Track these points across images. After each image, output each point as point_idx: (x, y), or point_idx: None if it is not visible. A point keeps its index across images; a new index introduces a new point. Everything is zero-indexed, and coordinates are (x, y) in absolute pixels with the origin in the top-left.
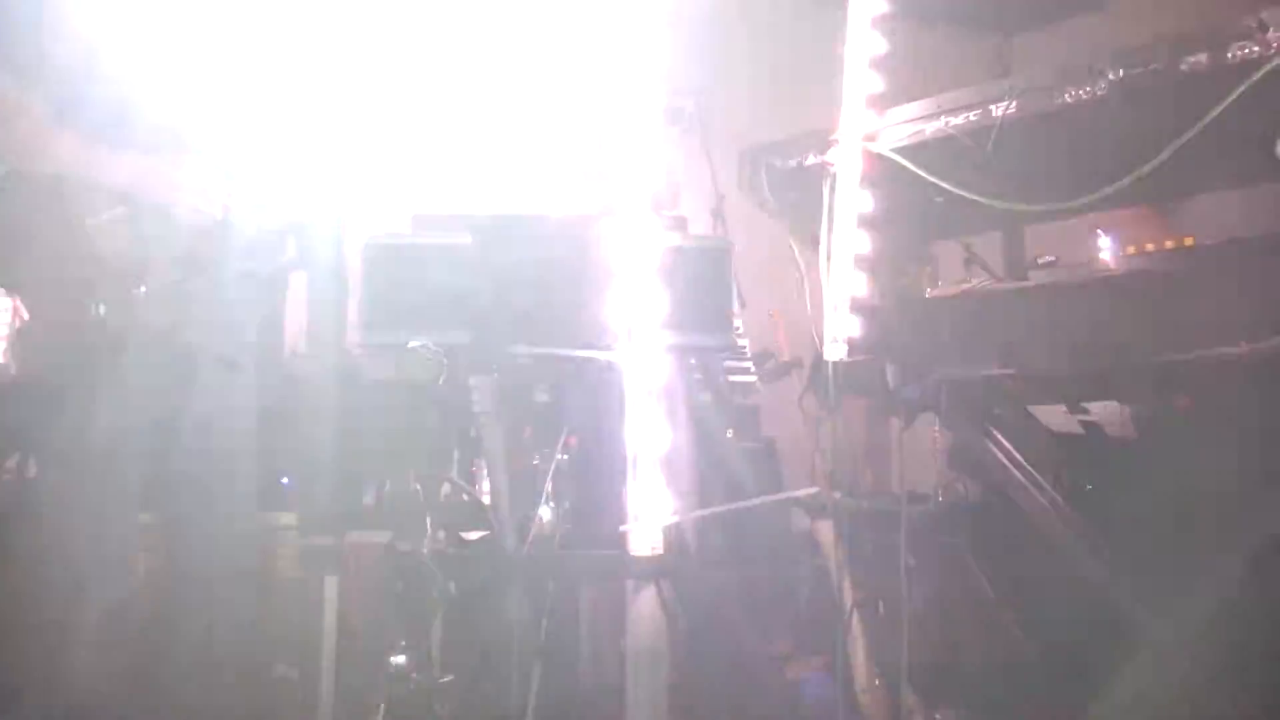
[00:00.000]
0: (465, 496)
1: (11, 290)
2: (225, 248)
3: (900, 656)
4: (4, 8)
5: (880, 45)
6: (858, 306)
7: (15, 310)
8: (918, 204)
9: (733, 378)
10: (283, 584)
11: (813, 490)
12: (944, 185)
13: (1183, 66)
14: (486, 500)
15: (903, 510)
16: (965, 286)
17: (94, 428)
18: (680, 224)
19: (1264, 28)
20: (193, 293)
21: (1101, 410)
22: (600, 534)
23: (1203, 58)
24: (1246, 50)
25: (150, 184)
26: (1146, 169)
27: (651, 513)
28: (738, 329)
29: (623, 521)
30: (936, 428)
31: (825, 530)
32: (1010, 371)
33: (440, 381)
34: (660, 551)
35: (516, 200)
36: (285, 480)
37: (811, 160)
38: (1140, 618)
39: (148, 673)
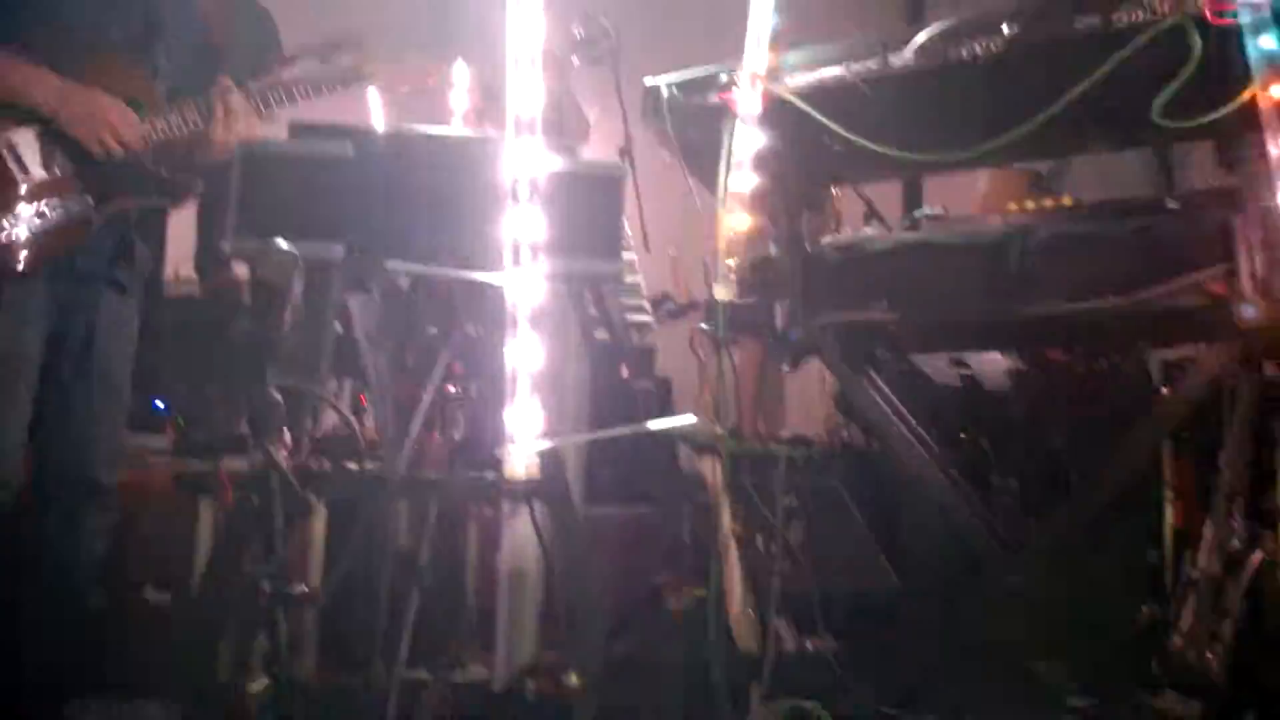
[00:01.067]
0: (329, 409)
1: None
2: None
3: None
4: None
5: None
6: (750, 247)
7: None
8: (816, 149)
9: (629, 316)
10: (156, 508)
11: (690, 418)
12: (837, 130)
13: (1077, 25)
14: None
15: (782, 452)
16: (854, 234)
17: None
18: (572, 150)
19: None
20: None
21: (979, 363)
22: (484, 460)
23: (1095, 20)
24: (1133, 15)
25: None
26: (1027, 127)
27: (526, 436)
28: (631, 263)
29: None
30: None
31: (709, 466)
32: (893, 318)
33: (296, 286)
34: (535, 475)
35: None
36: (159, 404)
37: (712, 98)
38: (1000, 556)
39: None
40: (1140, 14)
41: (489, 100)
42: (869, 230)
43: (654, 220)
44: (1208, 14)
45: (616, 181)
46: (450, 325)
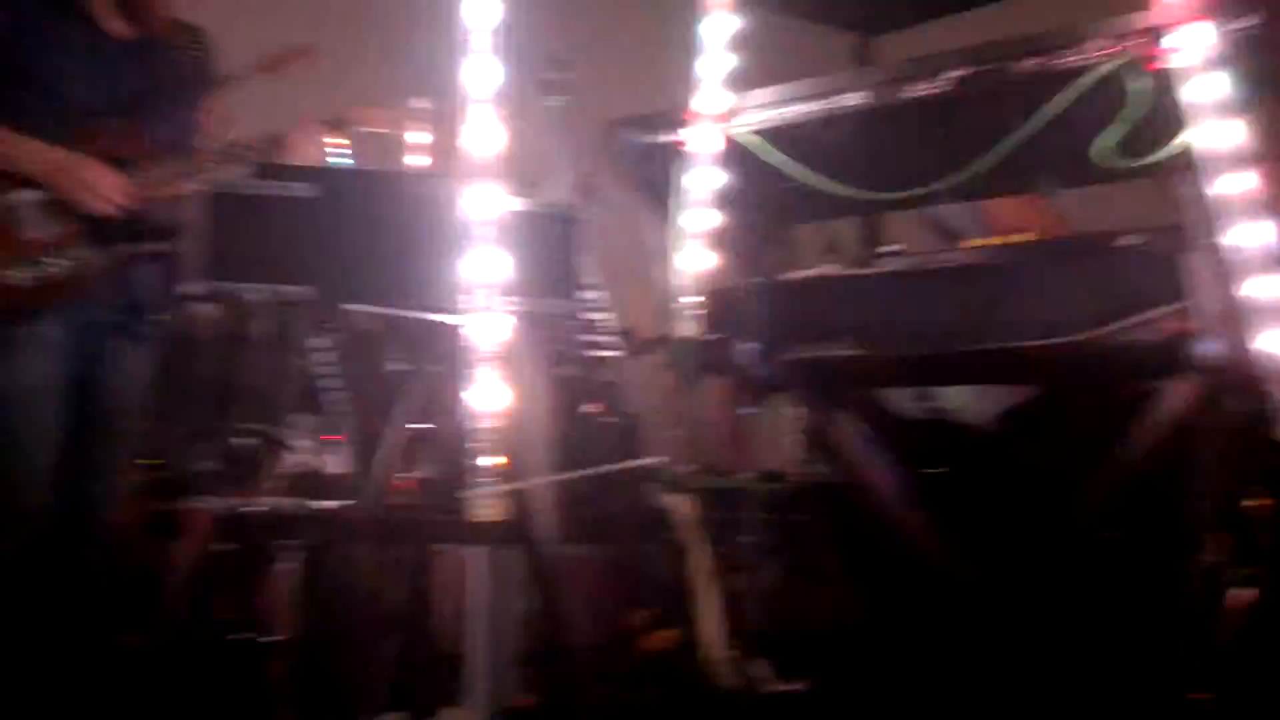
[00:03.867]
0: (292, 454)
1: None
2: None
3: (750, 627)
4: None
5: (738, 25)
6: (711, 285)
7: None
8: (773, 187)
9: (596, 352)
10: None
11: (660, 460)
12: (789, 171)
13: (1018, 68)
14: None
15: (753, 487)
16: (817, 270)
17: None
18: (530, 190)
19: (1085, 37)
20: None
21: (947, 397)
22: (451, 500)
23: (1033, 62)
24: (1071, 59)
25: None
26: (974, 169)
27: (490, 479)
28: (598, 301)
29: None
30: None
31: (679, 505)
32: (859, 353)
33: (261, 327)
34: (499, 518)
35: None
36: None
37: (664, 137)
38: (974, 592)
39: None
40: (1076, 58)
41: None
42: (830, 266)
43: (616, 254)
44: (1147, 61)
45: (572, 221)
46: (414, 363)
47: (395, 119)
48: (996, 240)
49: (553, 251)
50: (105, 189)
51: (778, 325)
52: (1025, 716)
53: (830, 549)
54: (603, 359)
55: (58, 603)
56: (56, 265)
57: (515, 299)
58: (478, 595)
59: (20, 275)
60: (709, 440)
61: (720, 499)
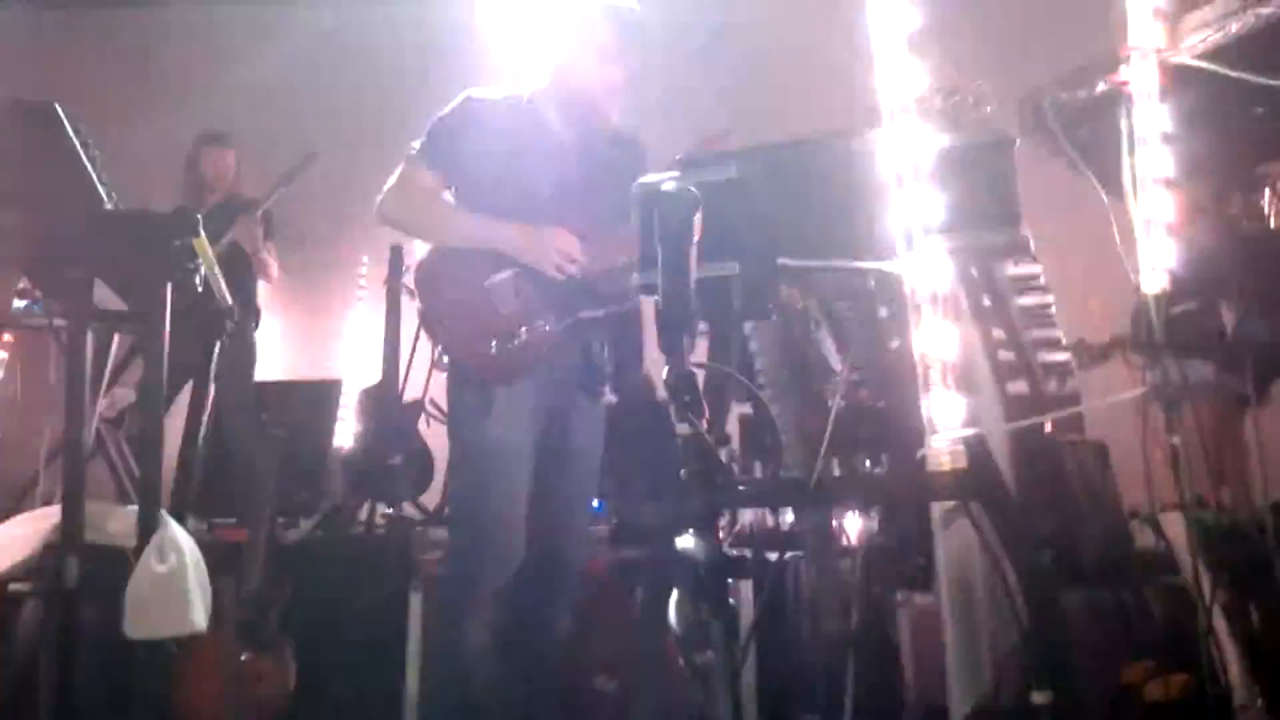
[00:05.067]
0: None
1: None
2: None
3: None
4: None
5: None
6: (1175, 233)
7: None
8: (1234, 121)
9: (1044, 357)
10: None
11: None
12: (1260, 80)
13: None
14: None
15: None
16: None
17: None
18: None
19: None
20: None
21: None
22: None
23: None
24: None
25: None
26: None
27: (948, 425)
28: (1039, 280)
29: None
30: None
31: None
32: None
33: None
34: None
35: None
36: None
37: (1102, 86)
38: None
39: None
40: None
41: None
42: None
43: (1049, 256)
44: None
45: (1007, 148)
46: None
47: None
48: None
49: (989, 181)
50: (565, 251)
51: (1264, 280)
52: None
53: None
54: (1056, 363)
55: (531, 649)
56: (526, 336)
57: (950, 236)
58: (948, 568)
59: (500, 346)
60: (1200, 461)
61: (1223, 534)
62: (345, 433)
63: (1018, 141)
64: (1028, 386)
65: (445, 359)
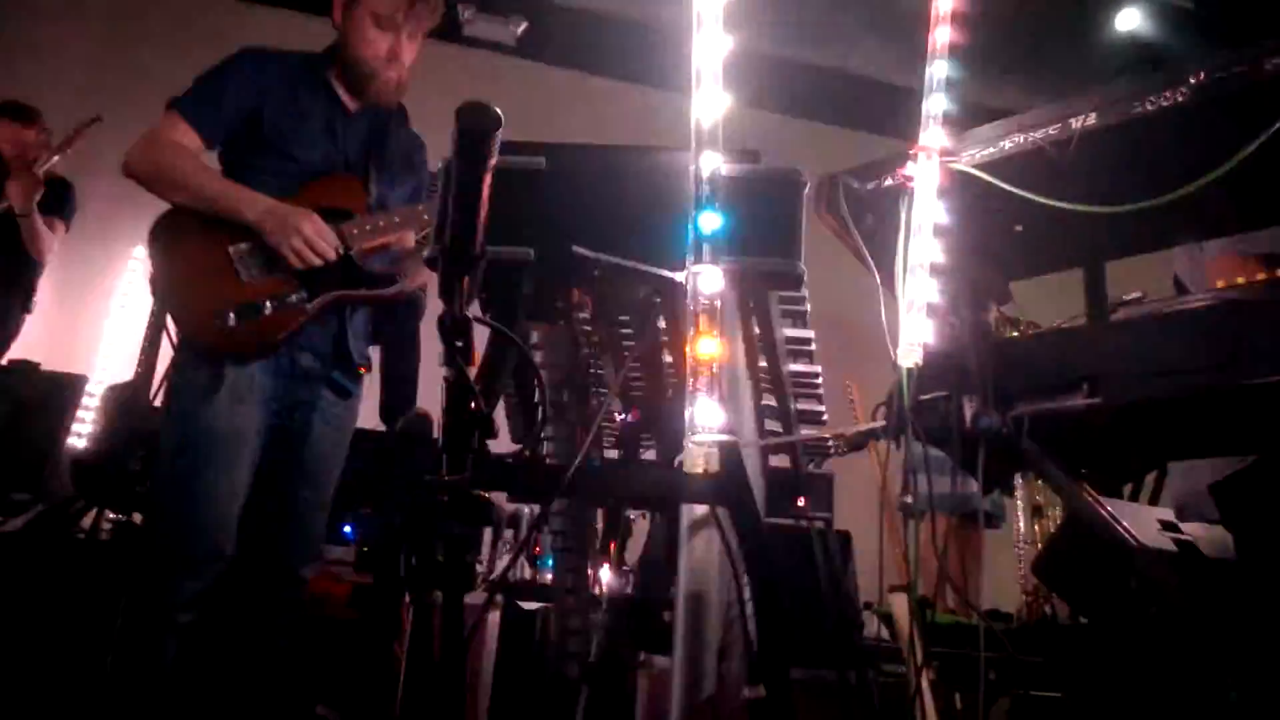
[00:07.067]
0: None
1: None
2: None
3: None
4: None
5: (954, 70)
6: (935, 316)
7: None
8: (996, 236)
9: (801, 405)
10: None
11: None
12: (1021, 193)
13: (1266, 68)
14: None
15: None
16: (1054, 325)
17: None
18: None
19: None
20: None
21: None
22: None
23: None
24: None
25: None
26: (1220, 171)
27: (704, 431)
28: (809, 346)
29: None
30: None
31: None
32: (1095, 402)
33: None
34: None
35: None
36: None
37: (889, 181)
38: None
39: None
40: None
41: None
42: (1062, 320)
43: (825, 343)
44: None
45: (796, 185)
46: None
47: None
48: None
49: (772, 213)
50: (312, 239)
51: (1005, 380)
52: None
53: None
54: (810, 412)
55: (244, 650)
56: (271, 311)
57: (732, 256)
58: (687, 573)
59: (239, 319)
60: (931, 562)
61: (945, 633)
62: (84, 433)
63: (808, 186)
64: (780, 415)
65: (174, 330)
